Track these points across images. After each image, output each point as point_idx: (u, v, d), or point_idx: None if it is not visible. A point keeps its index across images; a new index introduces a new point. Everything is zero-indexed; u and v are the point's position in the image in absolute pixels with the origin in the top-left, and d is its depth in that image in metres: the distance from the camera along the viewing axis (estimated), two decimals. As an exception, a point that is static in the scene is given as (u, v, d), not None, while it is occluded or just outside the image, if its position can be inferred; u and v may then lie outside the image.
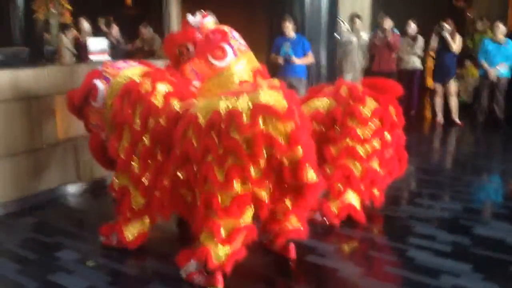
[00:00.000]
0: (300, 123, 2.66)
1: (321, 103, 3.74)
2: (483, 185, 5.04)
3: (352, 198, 3.76)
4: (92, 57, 5.63)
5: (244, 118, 2.55)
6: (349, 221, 3.77)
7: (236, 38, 3.65)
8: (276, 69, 6.42)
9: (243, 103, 2.61)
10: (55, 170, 4.51)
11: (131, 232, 3.35)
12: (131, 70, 3.36)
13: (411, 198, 4.50)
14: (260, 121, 2.55)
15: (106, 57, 5.58)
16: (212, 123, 2.64)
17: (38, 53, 8.16)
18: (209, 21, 3.70)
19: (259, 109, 2.56)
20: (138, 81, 3.19)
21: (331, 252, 3.36)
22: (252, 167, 2.61)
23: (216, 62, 3.52)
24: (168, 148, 2.99)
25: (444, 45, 7.50)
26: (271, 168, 2.64)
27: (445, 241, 3.47)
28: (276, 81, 2.91)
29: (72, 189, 4.64)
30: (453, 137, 7.26)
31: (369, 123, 3.59)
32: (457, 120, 7.65)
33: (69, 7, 10.74)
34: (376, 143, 3.64)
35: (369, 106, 3.60)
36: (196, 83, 3.54)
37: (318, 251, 3.35)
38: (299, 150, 2.59)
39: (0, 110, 4.06)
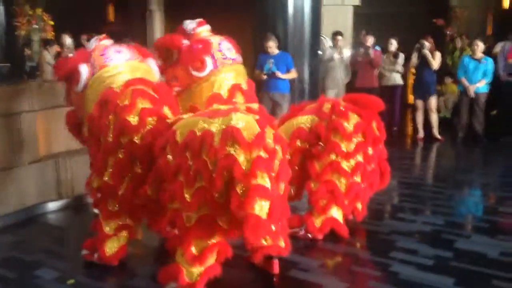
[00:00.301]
0: (274, 149, 2.65)
1: (304, 120, 3.76)
2: (464, 199, 5.09)
3: (335, 212, 3.78)
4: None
5: (216, 141, 2.56)
6: (332, 235, 3.77)
7: (222, 50, 3.66)
8: (260, 85, 6.46)
9: (216, 126, 2.62)
10: (35, 187, 4.44)
11: (111, 247, 3.30)
12: (117, 69, 3.24)
13: (394, 213, 4.51)
14: (229, 145, 2.55)
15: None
16: (187, 142, 2.64)
17: (20, 69, 8.10)
18: (203, 29, 3.72)
19: (228, 134, 2.56)
20: (118, 90, 3.13)
21: (315, 267, 3.35)
22: (214, 191, 2.58)
23: (195, 73, 3.55)
24: (148, 160, 2.97)
25: (424, 62, 7.61)
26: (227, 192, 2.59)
27: (427, 255, 3.48)
28: (255, 105, 2.92)
29: (53, 206, 4.55)
30: (434, 152, 7.33)
31: (353, 138, 3.62)
32: (437, 135, 7.74)
33: (52, 22, 10.71)
34: (359, 157, 3.67)
35: (352, 121, 3.64)
36: (177, 89, 3.60)
37: (301, 266, 3.33)
38: (255, 180, 2.53)
39: (-19, 126, 4.01)
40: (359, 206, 3.88)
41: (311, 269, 3.31)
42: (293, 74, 6.62)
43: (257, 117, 2.71)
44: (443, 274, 3.20)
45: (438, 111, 8.35)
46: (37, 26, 10.16)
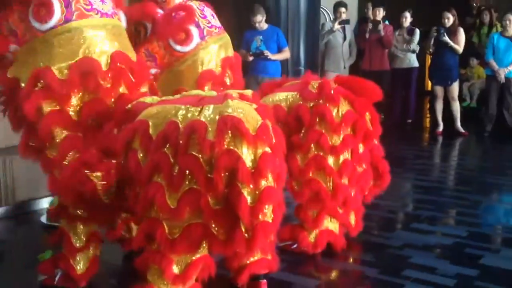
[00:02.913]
0: (276, 144, 2.65)
1: (283, 97, 3.71)
2: (492, 206, 5.11)
3: (330, 223, 3.78)
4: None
5: (209, 133, 2.52)
6: (333, 250, 3.77)
7: (206, 17, 3.64)
8: (246, 68, 6.44)
9: (208, 115, 2.57)
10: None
11: (82, 262, 3.25)
12: (100, 29, 3.06)
13: (407, 222, 4.52)
14: (228, 139, 2.52)
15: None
16: (167, 135, 2.58)
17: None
18: None
19: (227, 125, 2.51)
20: (102, 65, 3.01)
21: (312, 289, 3.36)
22: (210, 195, 2.55)
23: (178, 47, 3.53)
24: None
25: (443, 42, 7.60)
26: (229, 198, 2.55)
27: (448, 273, 3.49)
28: (248, 91, 2.88)
29: (-9, 214, 4.54)
30: (456, 149, 7.38)
31: (341, 130, 3.58)
32: (460, 128, 7.79)
33: None
34: (347, 155, 3.65)
35: (341, 109, 3.61)
36: (154, 70, 3.54)
37: (297, 287, 3.33)
38: (264, 181, 2.54)
39: None
40: (352, 218, 3.86)
41: (309, 292, 3.31)
42: (285, 54, 6.63)
43: (254, 105, 2.70)
44: (467, 296, 3.22)
45: (462, 99, 8.39)
46: None
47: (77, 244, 3.23)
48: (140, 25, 3.63)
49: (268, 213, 2.55)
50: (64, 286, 3.26)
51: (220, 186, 2.50)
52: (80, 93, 2.99)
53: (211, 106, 2.61)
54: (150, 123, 2.66)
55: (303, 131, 3.61)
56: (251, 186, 2.51)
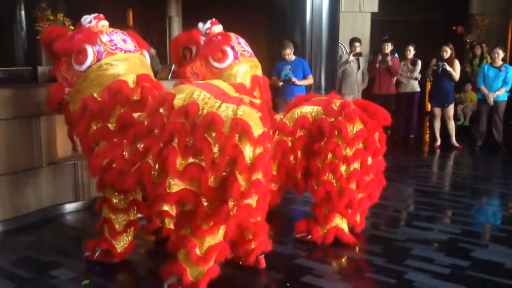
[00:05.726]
0: (268, 148, 2.72)
1: (309, 110, 3.73)
2: (482, 208, 5.02)
3: (339, 221, 3.76)
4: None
5: (225, 128, 2.57)
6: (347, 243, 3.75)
7: (241, 43, 3.74)
8: (276, 91, 6.46)
9: (225, 113, 2.61)
10: (53, 189, 4.50)
11: (122, 244, 3.40)
12: (125, 61, 3.32)
13: (410, 220, 4.47)
14: (237, 137, 2.58)
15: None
16: (187, 111, 2.61)
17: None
18: (217, 28, 3.77)
19: (239, 126, 2.57)
20: (131, 84, 3.24)
21: (329, 273, 3.34)
22: (211, 174, 2.60)
23: (215, 64, 3.62)
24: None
25: (442, 71, 7.52)
26: (226, 182, 2.61)
27: (443, 263, 3.45)
28: (257, 101, 2.91)
29: (70, 207, 4.61)
30: (452, 160, 7.26)
31: (354, 144, 3.58)
32: (455, 143, 7.67)
33: (72, 27, 10.84)
34: (356, 165, 3.62)
35: (356, 127, 3.61)
36: None
37: (315, 272, 3.32)
38: (256, 175, 2.61)
39: (1, 128, 4.06)
40: (357, 217, 3.83)
41: (325, 275, 3.30)
42: (309, 81, 6.62)
43: (259, 114, 2.74)
44: (459, 283, 3.16)
45: (457, 119, 8.24)
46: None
47: (118, 229, 3.35)
48: (186, 49, 3.73)
49: (253, 200, 2.64)
50: (101, 260, 3.39)
51: (220, 170, 2.58)
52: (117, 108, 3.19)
53: (230, 107, 2.64)
54: (176, 96, 2.70)
55: (324, 141, 3.62)
56: (245, 176, 2.59)
